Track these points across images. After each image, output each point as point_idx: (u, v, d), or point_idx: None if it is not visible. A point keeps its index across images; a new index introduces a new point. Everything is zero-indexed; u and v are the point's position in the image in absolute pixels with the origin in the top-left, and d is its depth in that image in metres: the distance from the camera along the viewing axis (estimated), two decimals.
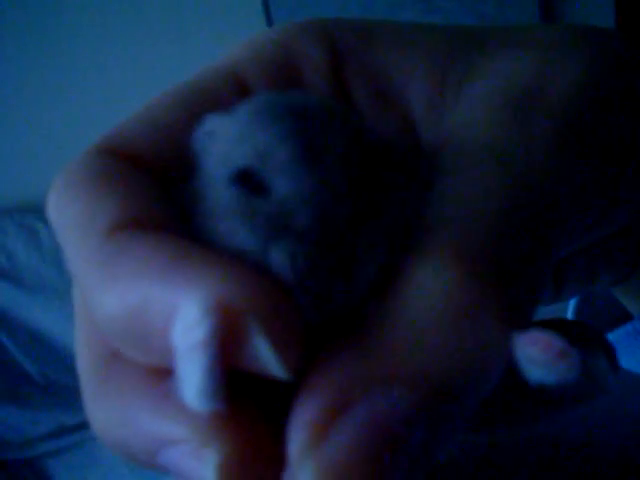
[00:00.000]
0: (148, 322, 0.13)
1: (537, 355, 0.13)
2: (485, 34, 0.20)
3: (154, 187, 0.16)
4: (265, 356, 0.12)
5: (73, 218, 0.15)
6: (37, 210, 1.41)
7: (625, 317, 0.35)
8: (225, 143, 0.15)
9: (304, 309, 0.13)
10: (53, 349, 1.33)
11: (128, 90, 1.21)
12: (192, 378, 0.12)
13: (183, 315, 0.12)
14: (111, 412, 0.14)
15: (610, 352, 0.18)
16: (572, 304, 0.37)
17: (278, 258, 0.13)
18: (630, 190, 0.20)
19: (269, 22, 1.42)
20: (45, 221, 1.38)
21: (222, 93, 0.18)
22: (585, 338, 0.18)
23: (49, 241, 1.36)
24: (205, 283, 0.13)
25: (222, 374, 0.13)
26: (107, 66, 1.46)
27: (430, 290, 0.14)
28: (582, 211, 0.17)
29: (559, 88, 0.17)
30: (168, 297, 0.13)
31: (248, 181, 0.14)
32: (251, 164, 0.14)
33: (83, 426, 1.26)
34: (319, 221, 0.13)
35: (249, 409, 0.14)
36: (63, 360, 1.30)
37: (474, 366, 0.13)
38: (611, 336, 0.35)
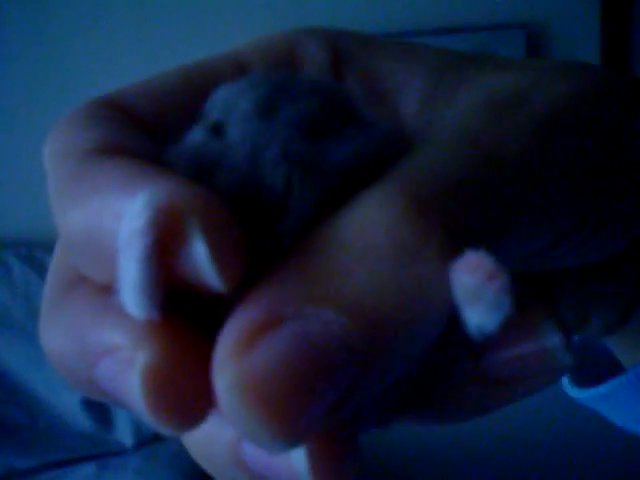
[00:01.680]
0: (102, 233, 0.14)
1: (468, 280, 0.13)
2: (480, 57, 0.22)
3: (139, 132, 0.17)
4: (202, 262, 0.12)
5: (56, 149, 0.16)
6: (11, 246, 1.41)
7: (618, 370, 0.34)
8: (216, 106, 0.17)
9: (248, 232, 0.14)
10: (11, 387, 1.31)
11: None
12: (129, 275, 0.13)
13: (128, 217, 0.13)
14: (60, 329, 0.15)
15: (566, 330, 0.18)
16: None
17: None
18: (617, 220, 0.20)
19: None
20: (19, 256, 1.37)
21: (222, 72, 0.19)
22: (539, 314, 0.18)
23: (21, 278, 1.35)
24: (151, 189, 0.13)
25: (160, 284, 0.13)
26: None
27: (373, 220, 0.14)
28: (544, 210, 0.17)
29: (543, 100, 0.18)
30: (118, 205, 0.13)
31: (215, 131, 0.16)
32: (221, 118, 0.16)
33: (34, 471, 1.21)
34: (251, 162, 0.15)
35: (184, 322, 0.14)
36: (19, 399, 1.28)
37: (411, 302, 0.13)
38: (603, 389, 0.34)
